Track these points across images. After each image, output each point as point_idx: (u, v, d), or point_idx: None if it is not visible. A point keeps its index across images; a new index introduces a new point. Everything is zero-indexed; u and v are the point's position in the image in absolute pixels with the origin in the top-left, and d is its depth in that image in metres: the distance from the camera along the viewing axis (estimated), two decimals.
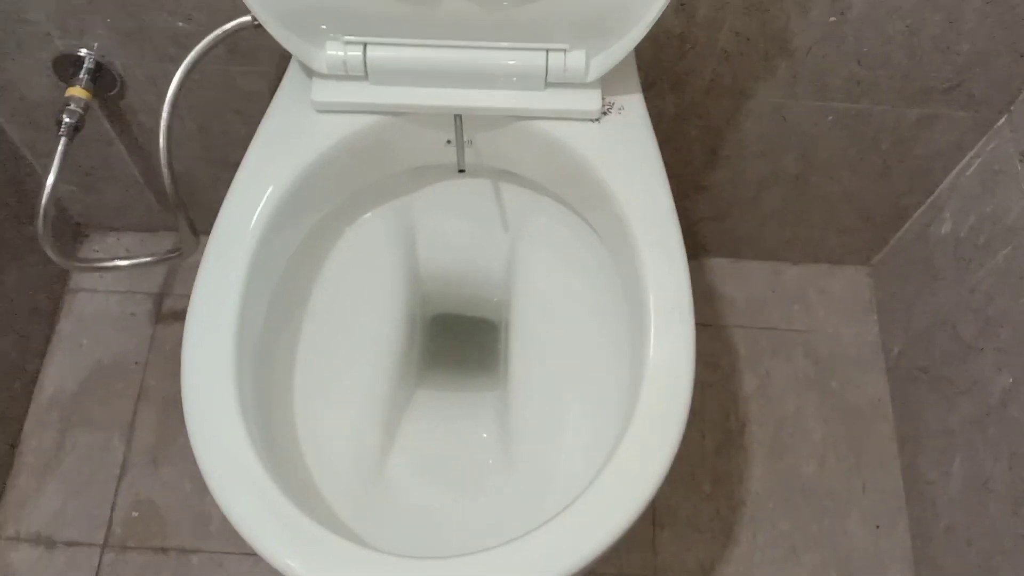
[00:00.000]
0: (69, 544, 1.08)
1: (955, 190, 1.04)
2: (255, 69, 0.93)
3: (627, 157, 0.77)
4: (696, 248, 1.25)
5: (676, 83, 0.93)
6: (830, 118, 0.97)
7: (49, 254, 0.95)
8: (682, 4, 0.83)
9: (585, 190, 0.79)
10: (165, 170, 0.87)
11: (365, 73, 0.75)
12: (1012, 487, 0.89)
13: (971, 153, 1.00)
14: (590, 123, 0.78)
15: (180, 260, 0.98)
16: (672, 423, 0.66)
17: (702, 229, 1.20)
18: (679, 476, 1.12)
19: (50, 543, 1.08)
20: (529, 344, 0.86)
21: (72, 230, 1.24)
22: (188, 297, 0.71)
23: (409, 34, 0.73)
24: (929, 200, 1.09)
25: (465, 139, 0.81)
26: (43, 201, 0.92)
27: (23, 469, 1.12)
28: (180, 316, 1.20)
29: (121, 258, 1.01)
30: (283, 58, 0.87)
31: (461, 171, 0.86)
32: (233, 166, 0.77)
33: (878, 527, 1.11)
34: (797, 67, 0.90)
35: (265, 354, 0.75)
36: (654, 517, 1.10)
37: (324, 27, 0.73)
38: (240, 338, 0.69)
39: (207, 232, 0.75)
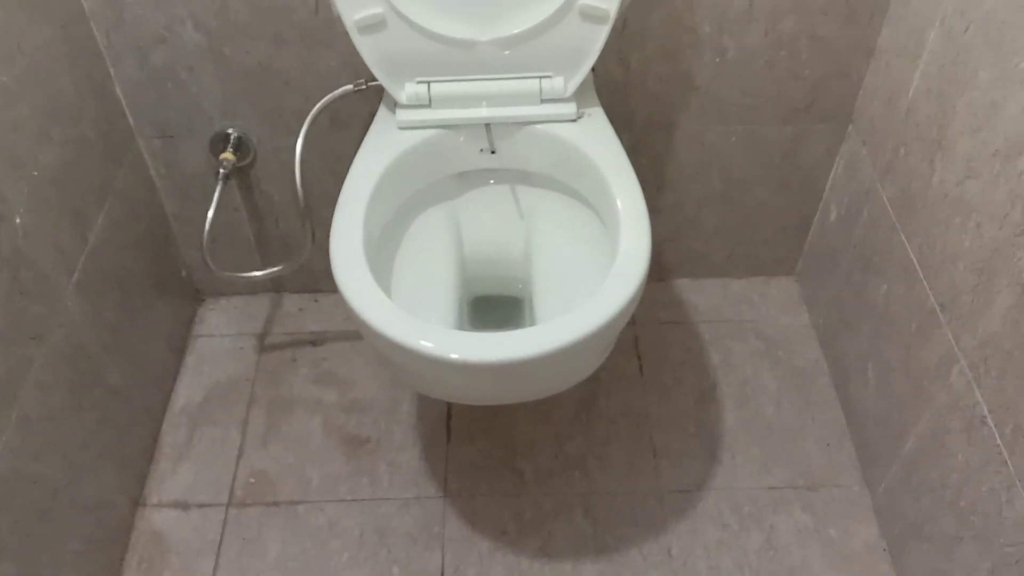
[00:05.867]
0: (200, 505, 1.37)
1: (833, 188, 1.48)
2: (346, 134, 1.39)
3: (597, 139, 1.21)
4: (663, 271, 1.66)
5: (626, 121, 1.40)
6: (733, 139, 1.43)
7: (210, 266, 1.35)
8: (620, 57, 1.31)
9: (573, 165, 1.22)
10: (300, 190, 1.30)
11: (429, 102, 1.21)
12: (905, 363, 1.24)
13: (837, 156, 1.45)
14: (571, 123, 1.22)
15: (299, 261, 1.38)
16: (640, 260, 1.05)
17: (665, 251, 1.62)
18: (669, 423, 1.45)
19: (185, 506, 1.37)
20: (546, 272, 1.25)
21: (193, 295, 1.64)
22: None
23: (455, 73, 1.19)
24: (820, 204, 1.53)
25: (492, 147, 1.25)
26: (206, 228, 1.34)
27: (161, 457, 1.44)
28: (278, 347, 1.57)
29: (258, 270, 1.41)
30: (365, 126, 1.33)
31: (491, 181, 1.30)
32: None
33: (828, 445, 1.42)
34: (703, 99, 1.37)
35: (379, 250, 1.13)
36: (654, 451, 1.42)
37: (408, 72, 1.19)
38: (365, 228, 1.09)
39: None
